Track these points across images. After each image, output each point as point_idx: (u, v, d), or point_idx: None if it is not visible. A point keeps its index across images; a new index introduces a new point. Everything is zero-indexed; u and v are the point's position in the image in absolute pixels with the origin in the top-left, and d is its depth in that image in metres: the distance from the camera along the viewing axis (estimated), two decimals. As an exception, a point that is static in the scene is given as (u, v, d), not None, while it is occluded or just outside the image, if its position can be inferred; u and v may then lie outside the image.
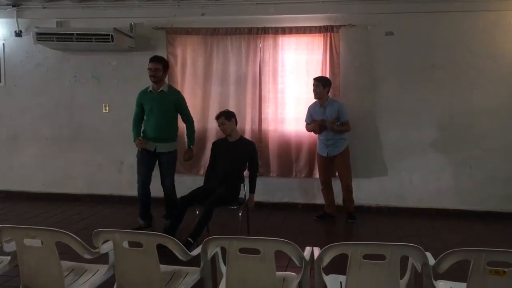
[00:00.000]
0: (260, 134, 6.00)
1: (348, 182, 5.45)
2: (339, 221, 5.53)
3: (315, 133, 5.52)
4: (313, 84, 5.37)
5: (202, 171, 5.94)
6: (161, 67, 4.84)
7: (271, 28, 5.86)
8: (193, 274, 2.63)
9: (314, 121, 5.44)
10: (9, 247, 2.58)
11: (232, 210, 4.67)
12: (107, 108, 6.38)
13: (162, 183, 5.00)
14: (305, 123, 5.59)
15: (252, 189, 4.75)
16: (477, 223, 5.45)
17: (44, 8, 6.28)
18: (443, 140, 5.74)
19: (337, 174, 5.60)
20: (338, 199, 5.60)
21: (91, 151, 6.45)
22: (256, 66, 5.94)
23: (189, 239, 4.16)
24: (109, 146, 6.41)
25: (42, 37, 5.89)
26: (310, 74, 5.80)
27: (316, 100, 5.46)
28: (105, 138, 6.41)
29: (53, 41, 5.90)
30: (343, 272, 2.31)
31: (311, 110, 5.51)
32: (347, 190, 5.47)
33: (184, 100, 5.10)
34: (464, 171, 5.75)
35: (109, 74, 6.36)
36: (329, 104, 5.40)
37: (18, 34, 6.37)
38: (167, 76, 5.17)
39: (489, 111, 5.62)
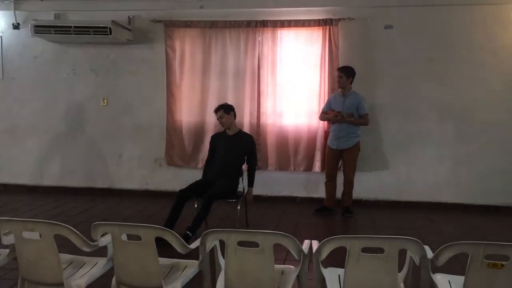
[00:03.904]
0: (258, 127, 5.99)
1: (351, 177, 5.46)
2: (337, 214, 5.54)
3: (329, 123, 5.54)
4: (337, 75, 5.40)
5: (201, 164, 5.94)
6: None
7: (270, 21, 5.83)
8: (191, 267, 2.64)
9: (331, 111, 5.43)
10: (8, 239, 2.57)
11: (231, 203, 4.67)
12: (105, 101, 6.37)
13: None
14: (321, 111, 5.60)
15: (250, 183, 4.75)
16: (475, 217, 5.47)
17: (42, 0, 6.24)
18: (441, 134, 5.75)
19: (341, 168, 5.62)
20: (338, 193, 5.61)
21: (89, 144, 6.45)
22: (255, 59, 5.92)
23: (187, 232, 4.17)
24: (108, 139, 6.41)
25: (40, 29, 5.86)
26: (309, 68, 5.80)
27: (339, 90, 5.48)
28: (103, 131, 6.41)
29: (51, 33, 5.87)
30: (341, 265, 2.32)
31: (331, 99, 5.53)
32: (349, 185, 5.47)
33: None
34: (462, 165, 5.75)
35: (107, 67, 6.34)
36: (350, 96, 5.40)
37: (16, 26, 6.33)
38: None
39: (488, 104, 5.62)
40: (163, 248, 2.55)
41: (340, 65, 5.68)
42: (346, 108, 5.34)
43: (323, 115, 5.56)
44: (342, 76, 5.36)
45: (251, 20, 5.87)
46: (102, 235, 2.51)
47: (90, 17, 6.08)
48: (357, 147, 5.45)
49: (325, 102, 5.62)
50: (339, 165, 5.60)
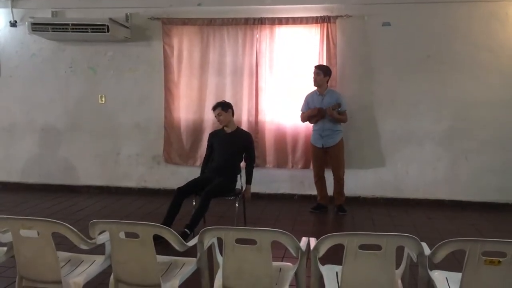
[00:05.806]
0: (256, 125, 5.99)
1: (340, 175, 5.43)
2: (333, 212, 5.54)
3: (311, 122, 5.48)
4: (314, 72, 5.34)
5: (199, 162, 5.95)
6: None
7: (268, 18, 5.83)
8: (189, 264, 2.64)
9: (311, 110, 5.40)
10: (5, 237, 2.57)
11: (229, 201, 4.67)
12: (103, 99, 6.36)
13: None
14: (300, 112, 5.54)
15: (248, 180, 4.75)
16: (473, 214, 5.48)
17: (39, -2, 6.24)
18: (439, 131, 5.75)
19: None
20: (330, 190, 5.59)
21: (87, 142, 6.44)
22: (253, 56, 5.92)
23: (185, 230, 4.17)
24: (105, 137, 6.40)
25: (37, 27, 5.83)
26: (307, 65, 5.79)
27: (314, 89, 5.44)
28: (101, 129, 6.40)
29: (49, 31, 5.84)
30: (339, 262, 2.32)
31: (309, 99, 5.46)
32: (339, 183, 5.44)
33: None
34: (460, 162, 5.76)
35: (105, 65, 6.32)
36: (328, 94, 5.37)
37: (13, 24, 6.31)
38: None
39: (485, 102, 5.62)
40: (161, 245, 2.56)
41: (338, 63, 5.69)
42: (325, 106, 5.27)
43: (304, 116, 5.48)
44: (320, 73, 5.30)
45: (249, 17, 5.86)
46: (100, 233, 2.52)
47: (88, 15, 6.05)
48: (341, 143, 5.41)
49: (304, 102, 5.51)
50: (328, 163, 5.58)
